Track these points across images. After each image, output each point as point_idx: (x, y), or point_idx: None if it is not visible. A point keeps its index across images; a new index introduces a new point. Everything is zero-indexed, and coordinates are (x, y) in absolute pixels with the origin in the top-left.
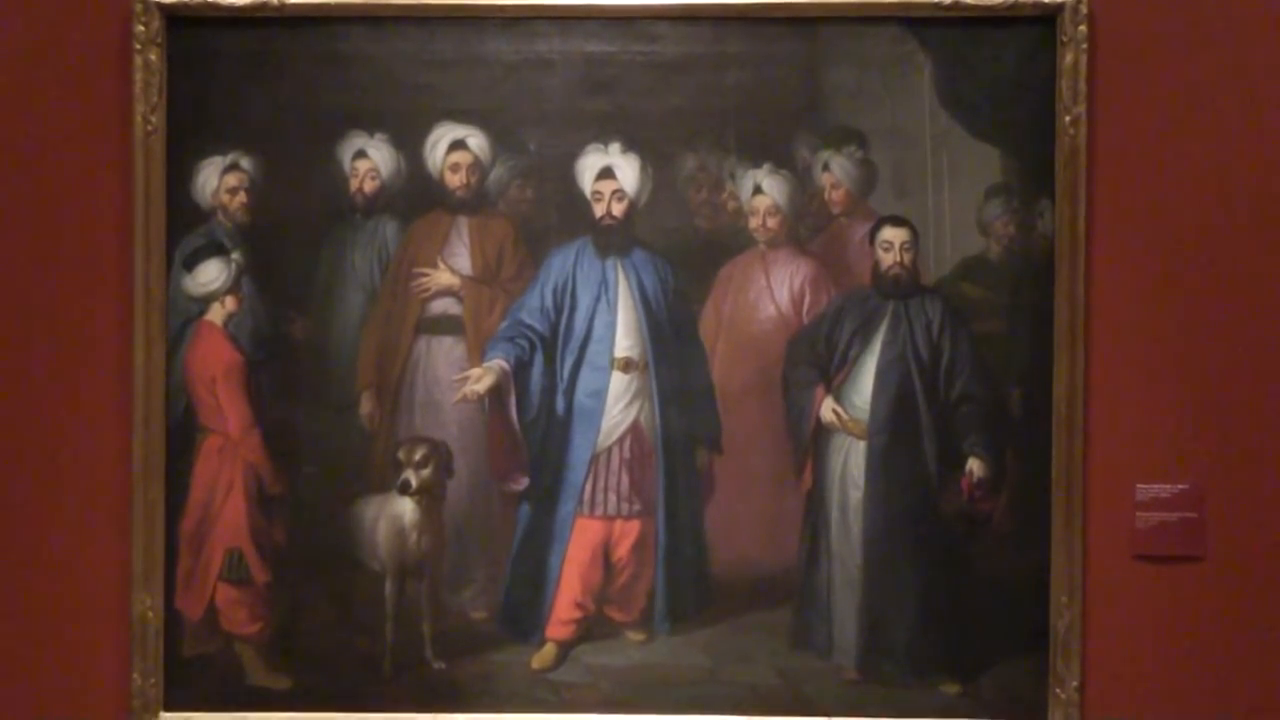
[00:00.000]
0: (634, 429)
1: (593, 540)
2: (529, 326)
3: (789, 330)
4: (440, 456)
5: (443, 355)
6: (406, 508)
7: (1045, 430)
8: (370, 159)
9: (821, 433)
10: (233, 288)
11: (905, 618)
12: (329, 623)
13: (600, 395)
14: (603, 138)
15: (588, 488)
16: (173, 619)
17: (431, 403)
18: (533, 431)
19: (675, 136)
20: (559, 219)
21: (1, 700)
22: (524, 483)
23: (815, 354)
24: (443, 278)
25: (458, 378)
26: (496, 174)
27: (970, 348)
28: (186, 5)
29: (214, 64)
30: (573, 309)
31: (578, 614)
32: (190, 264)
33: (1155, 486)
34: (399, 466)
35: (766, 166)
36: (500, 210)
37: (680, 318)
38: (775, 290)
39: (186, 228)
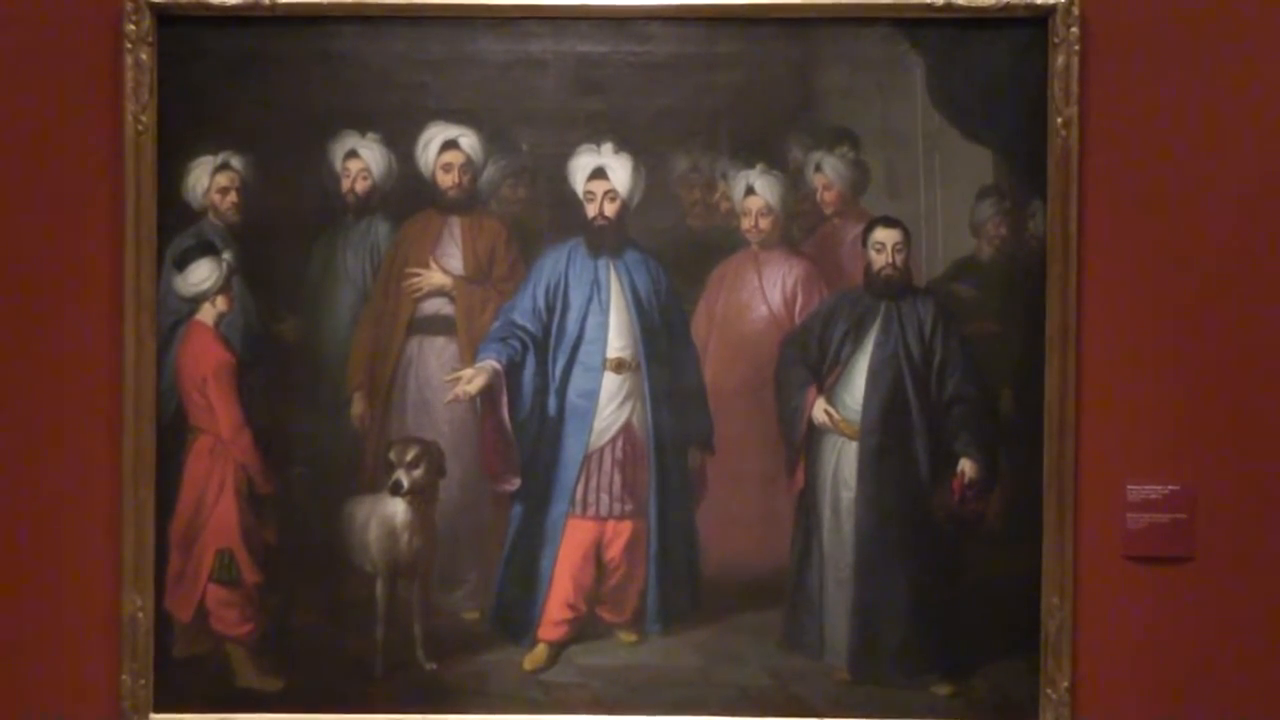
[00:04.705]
0: (626, 429)
1: (585, 541)
2: (521, 327)
3: (781, 331)
4: (432, 457)
5: (434, 355)
6: (398, 508)
7: (1036, 431)
8: (362, 159)
9: (813, 433)
10: (224, 288)
11: (897, 618)
12: (320, 624)
13: (592, 396)
14: (595, 138)
15: (580, 488)
16: (163, 620)
17: (423, 403)
18: (525, 432)
19: (667, 137)
20: (551, 219)
21: None
22: (516, 483)
23: (807, 355)
24: (435, 278)
25: (449, 378)
26: (488, 174)
27: (962, 348)
28: (177, 4)
29: (205, 63)
30: (565, 309)
31: (569, 615)
32: (181, 264)
33: (1146, 487)
34: (390, 467)
35: (759, 167)
36: (492, 210)
37: (672, 318)
38: (767, 291)
39: (177, 228)
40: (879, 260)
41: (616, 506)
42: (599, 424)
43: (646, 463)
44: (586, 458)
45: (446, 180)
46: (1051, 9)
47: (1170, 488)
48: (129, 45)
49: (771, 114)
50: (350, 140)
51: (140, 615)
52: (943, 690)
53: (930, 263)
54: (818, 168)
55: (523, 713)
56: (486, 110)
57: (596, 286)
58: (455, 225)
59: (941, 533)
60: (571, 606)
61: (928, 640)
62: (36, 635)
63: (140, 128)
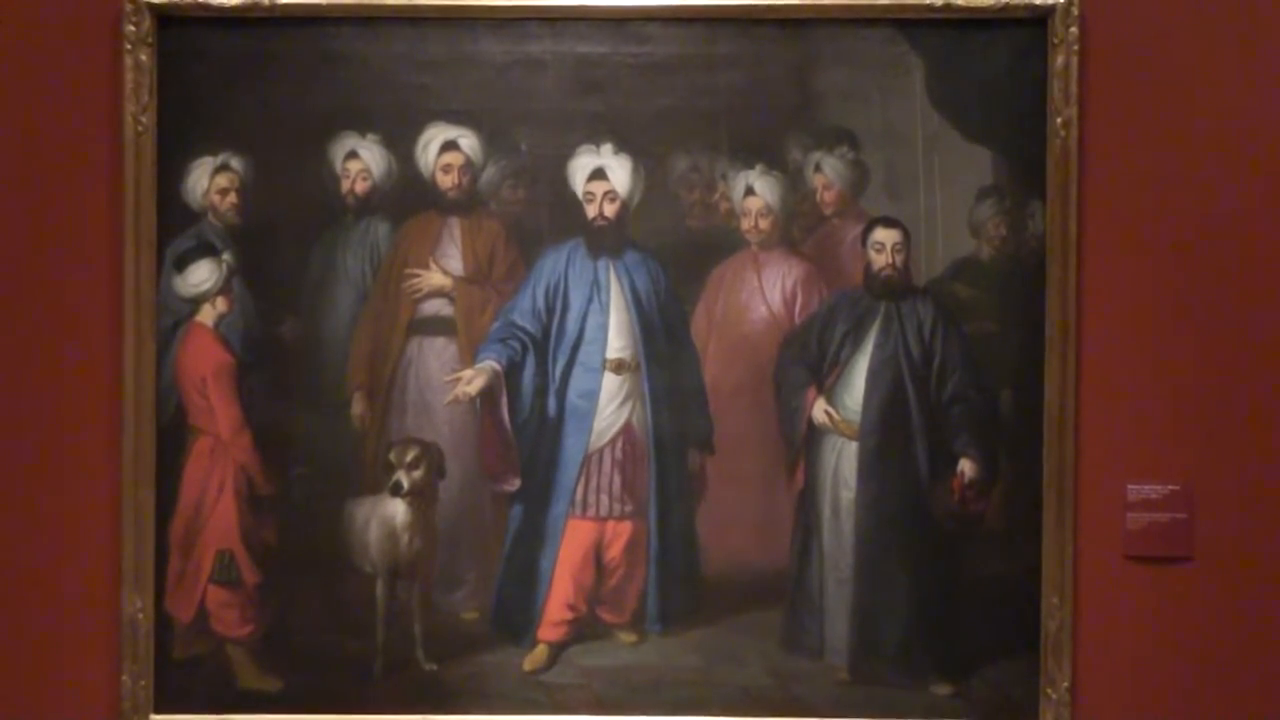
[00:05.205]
0: (626, 430)
1: (585, 541)
2: (521, 327)
3: (781, 331)
4: (432, 458)
5: (434, 356)
6: (398, 509)
7: (1036, 431)
8: (362, 159)
9: (813, 433)
10: (223, 289)
11: (897, 618)
12: (320, 624)
13: (592, 396)
14: (594, 139)
15: (580, 489)
16: (163, 621)
17: (423, 404)
18: (524, 432)
19: (667, 137)
20: (551, 220)
21: None
22: (516, 484)
23: (807, 355)
24: (434, 279)
25: (449, 379)
26: (488, 175)
27: (962, 349)
28: (177, 5)
29: (205, 64)
30: (565, 310)
31: (569, 615)
32: (181, 265)
33: (1146, 487)
34: (390, 468)
35: (758, 167)
36: (492, 211)
37: (672, 319)
38: (767, 291)
39: (177, 228)
40: (879, 260)
41: (616, 507)
42: (599, 424)
43: (646, 463)
44: (586, 458)
45: (446, 181)
46: (1051, 9)
47: (1170, 487)
48: (129, 46)
49: (771, 114)
50: (350, 141)
51: (140, 616)
52: (943, 690)
53: (930, 263)
54: (817, 168)
55: (523, 713)
56: (486, 111)
57: (596, 287)
58: (455, 226)
59: (941, 533)
60: (571, 607)
61: (928, 640)
62: (36, 636)
63: (140, 128)
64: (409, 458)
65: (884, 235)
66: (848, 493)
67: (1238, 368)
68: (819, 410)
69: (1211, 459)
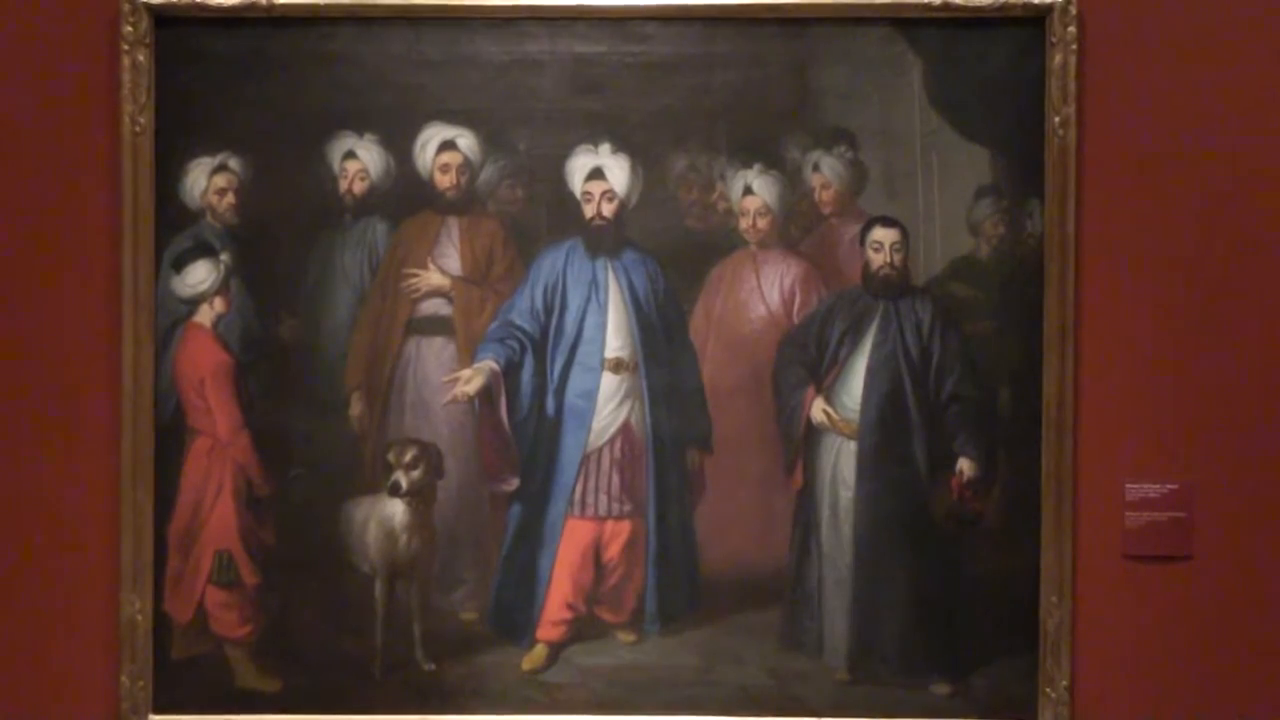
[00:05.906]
0: (625, 429)
1: (583, 541)
2: (519, 327)
3: (779, 330)
4: (430, 458)
5: (433, 356)
6: (397, 509)
7: (1035, 430)
8: (359, 159)
9: (812, 433)
10: (221, 289)
11: (896, 617)
12: (319, 625)
13: (591, 396)
14: (593, 138)
15: (578, 488)
16: (162, 621)
17: (421, 404)
18: (523, 432)
19: (665, 137)
20: (549, 219)
21: None
22: (514, 484)
23: (806, 354)
24: (433, 278)
25: (448, 379)
26: (486, 174)
27: (960, 348)
28: (174, 5)
29: (202, 64)
30: (563, 310)
31: (568, 615)
32: (179, 265)
33: (1145, 486)
34: (389, 468)
35: (757, 167)
36: (490, 211)
37: (671, 318)
38: (766, 291)
39: (175, 229)
40: (877, 260)
41: (615, 506)
42: (597, 424)
43: (645, 463)
44: (585, 458)
45: (444, 181)
46: (1049, 8)
47: (1168, 486)
48: (126, 47)
49: (769, 114)
50: (348, 141)
51: (139, 617)
52: (941, 689)
53: (928, 262)
54: (816, 167)
55: (522, 713)
56: (484, 111)
57: (594, 287)
58: (453, 226)
59: (940, 532)
60: (570, 607)
61: (927, 639)
62: (36, 636)
63: (138, 129)
64: (407, 457)
65: (882, 234)
66: (846, 492)
67: (1236, 366)
68: (817, 409)
69: (1210, 458)
